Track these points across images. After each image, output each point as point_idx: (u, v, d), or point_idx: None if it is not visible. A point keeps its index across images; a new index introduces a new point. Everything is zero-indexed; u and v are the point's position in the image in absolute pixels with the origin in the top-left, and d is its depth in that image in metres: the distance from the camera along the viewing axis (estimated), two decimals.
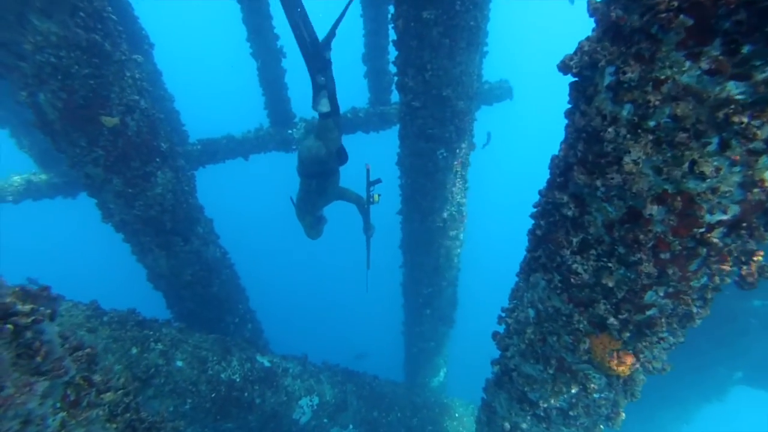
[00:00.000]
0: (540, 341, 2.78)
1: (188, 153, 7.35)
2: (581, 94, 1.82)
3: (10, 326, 1.58)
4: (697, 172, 1.44)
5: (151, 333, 4.54)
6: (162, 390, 4.41)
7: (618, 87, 1.56)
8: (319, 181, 5.33)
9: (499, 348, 3.45)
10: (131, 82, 4.32)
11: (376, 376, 7.75)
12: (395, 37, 4.91)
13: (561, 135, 2.20)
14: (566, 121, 2.16)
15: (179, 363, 4.59)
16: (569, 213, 2.01)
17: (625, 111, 1.58)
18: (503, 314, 3.31)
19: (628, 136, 1.59)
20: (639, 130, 1.56)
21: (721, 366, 8.28)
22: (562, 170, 2.08)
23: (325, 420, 6.16)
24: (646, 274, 1.84)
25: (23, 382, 1.56)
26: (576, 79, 1.85)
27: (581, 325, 2.34)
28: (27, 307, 1.61)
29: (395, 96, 7.93)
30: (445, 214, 6.64)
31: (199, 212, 5.77)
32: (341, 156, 5.25)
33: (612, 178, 1.69)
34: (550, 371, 2.82)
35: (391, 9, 4.81)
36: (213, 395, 4.81)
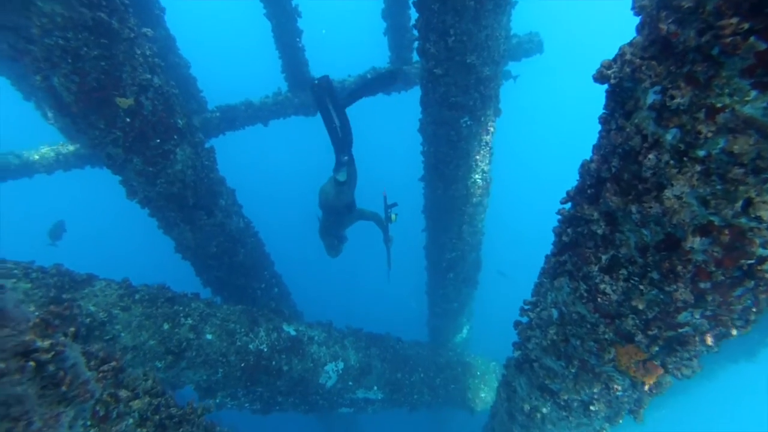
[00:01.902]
0: (563, 341, 2.71)
1: (207, 121, 7.28)
2: (619, 105, 1.61)
3: (32, 363, 1.62)
4: (753, 215, 1.26)
5: (181, 308, 4.72)
6: (194, 362, 4.65)
7: (663, 109, 1.36)
8: (336, 217, 6.19)
9: (520, 338, 3.41)
10: (142, 60, 4.18)
11: (400, 338, 7.95)
12: None
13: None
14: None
15: (209, 336, 4.79)
16: (599, 231, 1.86)
17: (670, 136, 1.38)
18: (526, 307, 3.23)
19: (672, 163, 1.40)
20: (685, 159, 1.37)
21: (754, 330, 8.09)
22: (593, 182, 1.89)
23: (350, 383, 6.43)
24: (682, 301, 1.70)
25: (50, 415, 1.62)
26: (613, 86, 1.63)
27: (607, 336, 2.25)
28: (47, 343, 1.63)
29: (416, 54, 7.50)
30: (468, 182, 6.44)
31: (220, 185, 5.78)
32: (350, 208, 6.14)
33: (650, 207, 1.52)
34: (573, 369, 2.77)
35: None
36: (242, 365, 5.04)
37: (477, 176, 6.42)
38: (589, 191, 1.94)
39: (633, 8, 1.48)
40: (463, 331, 10.87)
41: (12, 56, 3.76)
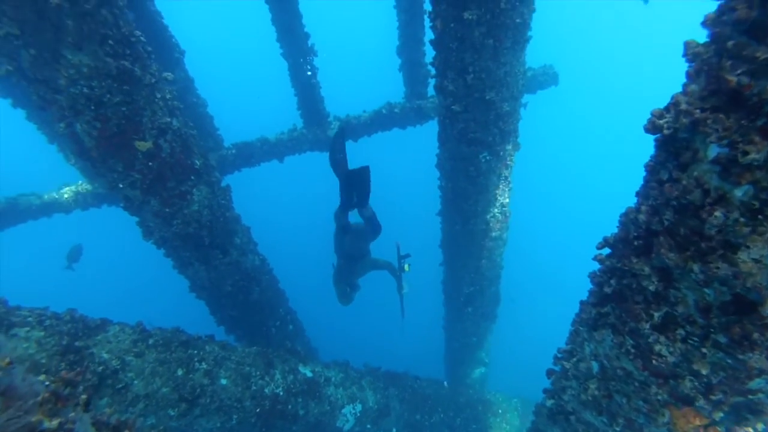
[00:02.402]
0: (605, 397, 2.50)
1: (223, 158, 7.33)
2: (672, 155, 1.49)
3: None
4: None
5: (195, 352, 4.59)
6: (208, 408, 4.47)
7: (732, 164, 1.24)
8: (350, 263, 6.34)
9: (554, 387, 3.19)
10: (162, 104, 4.23)
11: (418, 377, 7.66)
12: (433, 37, 4.55)
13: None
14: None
15: (223, 381, 4.63)
16: (651, 287, 1.71)
17: (741, 192, 1.25)
18: (560, 355, 3.04)
19: (744, 222, 1.27)
20: (761, 217, 1.23)
21: None
22: (641, 234, 1.76)
23: (368, 426, 6.16)
24: (757, 369, 1.53)
25: None
26: (666, 136, 1.52)
27: (660, 397, 2.05)
28: (55, 423, 1.52)
29: (432, 89, 7.54)
30: (488, 216, 6.31)
31: (236, 224, 5.73)
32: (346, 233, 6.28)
33: (717, 268, 1.37)
34: (617, 428, 2.55)
35: (428, 4, 4.44)
36: (258, 410, 4.85)
37: (496, 210, 6.30)
38: (636, 243, 1.81)
39: (685, 55, 1.39)
40: (481, 366, 10.49)
41: (40, 106, 3.81)
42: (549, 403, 3.44)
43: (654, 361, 1.82)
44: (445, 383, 8.62)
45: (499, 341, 10.90)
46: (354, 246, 6.22)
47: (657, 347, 1.78)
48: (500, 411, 8.86)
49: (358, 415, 5.97)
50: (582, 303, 2.81)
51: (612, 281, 2.06)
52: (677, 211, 1.51)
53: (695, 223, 1.44)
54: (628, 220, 1.93)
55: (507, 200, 6.45)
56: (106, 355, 3.89)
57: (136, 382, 3.98)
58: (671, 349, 1.74)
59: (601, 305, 2.27)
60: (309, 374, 5.62)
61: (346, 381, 6.08)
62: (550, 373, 3.20)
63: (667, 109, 1.45)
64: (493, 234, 6.72)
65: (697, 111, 1.29)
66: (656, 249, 1.63)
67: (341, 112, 7.45)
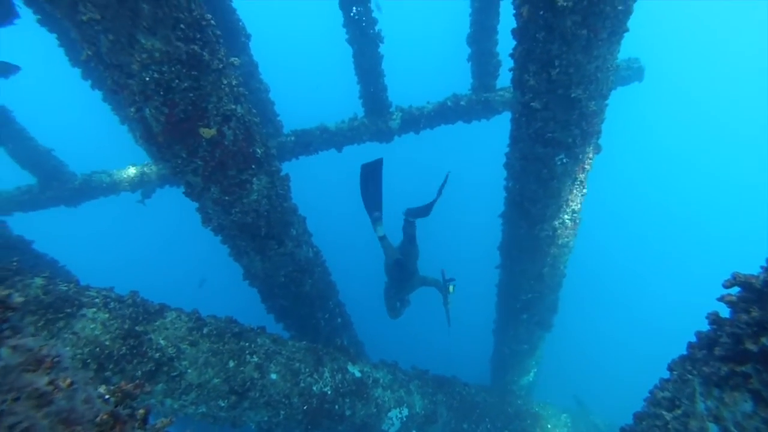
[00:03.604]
0: None
1: (282, 145, 7.27)
2: None
3: None
4: None
5: (247, 345, 4.54)
6: (257, 402, 4.43)
7: None
8: (397, 282, 6.63)
9: None
10: (228, 90, 4.12)
11: (467, 383, 7.36)
12: (515, 26, 4.11)
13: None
14: None
15: (273, 376, 4.56)
16: None
17: None
18: (656, 400, 2.63)
19: None
20: None
21: None
22: None
23: (414, 431, 5.95)
24: None
25: None
26: None
27: None
28: None
29: (501, 81, 7.05)
30: (556, 223, 5.81)
31: (292, 215, 5.63)
32: (401, 268, 6.57)
33: None
34: None
35: None
36: (305, 407, 4.76)
37: (566, 217, 5.78)
38: None
39: None
40: (530, 373, 9.99)
41: (114, 90, 3.81)
42: None
43: None
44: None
45: (551, 350, 10.35)
46: (404, 270, 6.59)
47: None
48: (549, 426, 8.40)
49: (405, 420, 5.77)
50: (694, 347, 2.39)
51: (764, 339, 1.65)
52: None
53: None
54: None
55: (579, 207, 5.90)
56: (163, 342, 3.90)
57: (189, 371, 3.97)
58: None
59: (736, 362, 1.86)
60: (358, 374, 5.48)
61: (394, 384, 5.89)
62: (640, 418, 2.79)
63: None
64: (560, 241, 6.20)
65: None
66: None
67: (404, 102, 7.14)
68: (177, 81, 3.68)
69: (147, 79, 3.57)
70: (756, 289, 1.77)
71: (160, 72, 3.57)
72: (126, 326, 3.70)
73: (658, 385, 2.76)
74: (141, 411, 1.80)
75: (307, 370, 4.93)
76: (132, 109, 3.82)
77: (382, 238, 6.55)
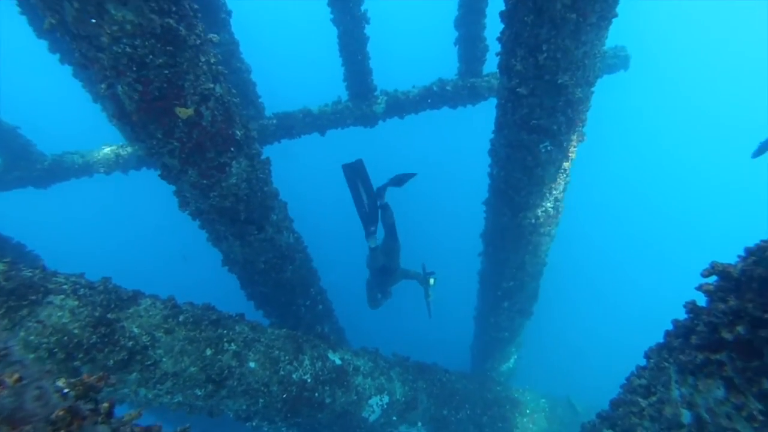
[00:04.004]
0: None
1: (263, 128, 7.08)
2: None
3: None
4: None
5: (225, 332, 4.45)
6: (235, 391, 4.36)
7: None
8: (383, 276, 6.86)
9: (621, 423, 2.81)
10: (206, 68, 3.94)
11: (447, 370, 7.41)
12: (504, 9, 4.03)
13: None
14: None
15: (252, 364, 4.49)
16: None
17: None
18: (632, 387, 2.64)
19: None
20: None
21: None
22: None
23: (394, 418, 5.98)
24: None
25: None
26: None
27: None
28: None
29: (488, 66, 6.97)
30: (539, 211, 5.83)
31: (273, 199, 5.50)
32: (384, 272, 6.88)
33: None
34: None
35: None
36: (284, 395, 4.71)
37: (549, 204, 5.80)
38: None
39: None
40: (510, 360, 10.17)
41: (83, 64, 3.60)
42: None
43: None
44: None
45: (530, 337, 10.52)
46: (387, 264, 6.77)
47: None
48: (528, 411, 8.57)
49: (385, 406, 5.78)
50: (671, 335, 2.40)
51: (739, 328, 1.64)
52: None
53: None
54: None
55: (562, 195, 5.92)
56: (136, 330, 3.77)
57: (164, 359, 3.86)
58: None
59: (712, 350, 1.86)
60: (338, 362, 5.44)
61: (375, 371, 5.88)
62: (616, 404, 2.81)
63: None
64: (542, 230, 6.24)
65: None
66: None
67: (389, 86, 7.01)
68: (151, 56, 3.49)
69: (119, 53, 3.37)
70: (733, 278, 1.76)
71: (133, 46, 3.38)
72: (97, 314, 3.56)
73: (635, 372, 2.78)
74: (105, 405, 1.70)
75: (287, 357, 4.86)
76: (103, 86, 3.62)
77: (373, 249, 6.75)
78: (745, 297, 1.67)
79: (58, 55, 6.02)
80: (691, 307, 2.19)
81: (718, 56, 44.17)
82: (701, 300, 2.33)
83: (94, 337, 3.46)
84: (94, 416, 1.49)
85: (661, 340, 2.57)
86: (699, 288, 2.10)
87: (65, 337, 3.32)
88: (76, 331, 3.40)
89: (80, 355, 3.31)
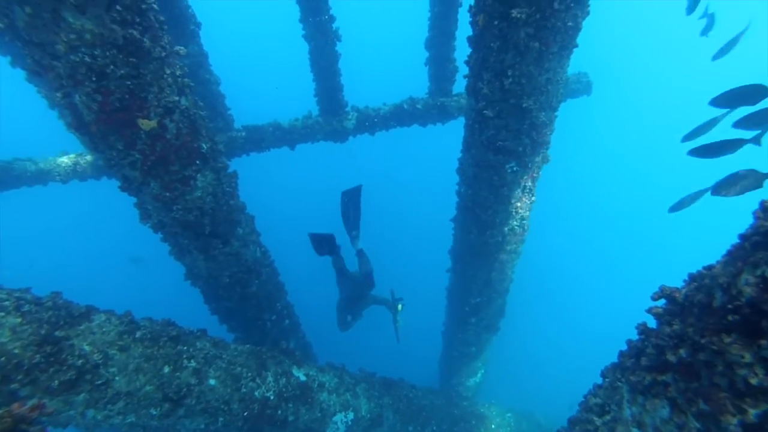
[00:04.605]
0: None
1: (232, 140, 6.98)
2: None
3: None
4: None
5: (185, 348, 4.29)
6: (193, 409, 4.19)
7: None
8: (348, 298, 6.91)
9: None
10: (171, 80, 3.86)
11: (414, 386, 7.39)
12: (471, 34, 4.16)
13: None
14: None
15: (212, 381, 4.34)
16: (753, 380, 1.37)
17: None
18: (588, 405, 2.71)
19: None
20: None
21: None
22: (742, 310, 1.41)
23: None
24: None
25: None
26: None
27: None
28: None
29: (458, 86, 7.14)
30: (505, 229, 5.96)
31: (239, 213, 5.40)
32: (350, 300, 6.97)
33: None
34: None
35: None
36: (245, 413, 4.57)
37: (515, 223, 5.94)
38: (729, 317, 1.46)
39: None
40: (477, 375, 10.24)
41: (36, 72, 3.46)
42: None
43: None
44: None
45: (497, 352, 10.65)
46: (355, 290, 6.88)
47: None
48: (493, 426, 8.62)
49: (350, 423, 5.70)
50: (624, 355, 2.48)
51: (681, 351, 1.72)
52: None
53: None
54: (715, 283, 1.59)
55: (528, 213, 6.08)
56: (87, 348, 3.59)
57: (117, 378, 3.68)
58: None
59: (658, 371, 1.94)
60: (303, 378, 5.34)
61: (340, 387, 5.80)
62: (574, 423, 2.88)
63: None
64: (509, 247, 6.37)
65: None
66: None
67: (360, 102, 7.07)
68: (112, 67, 3.39)
69: (76, 62, 3.26)
70: (678, 302, 1.85)
71: (92, 56, 3.28)
72: (43, 332, 3.37)
73: (592, 390, 2.86)
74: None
75: (249, 374, 4.73)
76: (59, 94, 3.49)
77: (349, 275, 6.93)
78: (687, 321, 1.75)
79: (8, 58, 5.76)
80: (642, 329, 2.28)
81: (674, 83, 46.87)
82: (653, 322, 2.44)
83: (37, 356, 3.26)
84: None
85: (616, 360, 2.67)
86: (648, 311, 2.20)
87: (2, 358, 3.12)
88: (16, 351, 3.20)
89: (19, 377, 3.11)
